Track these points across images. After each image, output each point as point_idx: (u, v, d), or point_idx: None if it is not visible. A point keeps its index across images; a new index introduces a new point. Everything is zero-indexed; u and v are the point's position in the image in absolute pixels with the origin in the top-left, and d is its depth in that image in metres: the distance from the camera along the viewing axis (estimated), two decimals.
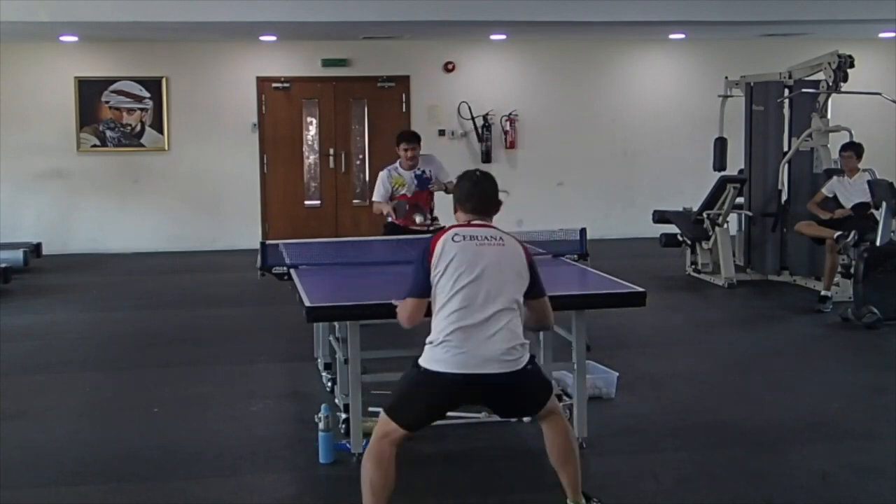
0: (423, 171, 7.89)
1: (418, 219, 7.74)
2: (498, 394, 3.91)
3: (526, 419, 4.97)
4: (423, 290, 3.89)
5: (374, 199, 8.07)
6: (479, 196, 4.01)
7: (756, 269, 10.35)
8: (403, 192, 7.86)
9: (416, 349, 6.23)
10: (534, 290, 3.97)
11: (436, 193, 7.96)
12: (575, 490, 4.00)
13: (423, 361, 3.86)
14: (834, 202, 9.17)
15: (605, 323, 7.09)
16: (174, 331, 8.22)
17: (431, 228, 7.57)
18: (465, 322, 3.80)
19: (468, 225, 3.97)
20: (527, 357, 3.89)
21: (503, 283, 3.86)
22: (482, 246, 3.88)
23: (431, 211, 7.98)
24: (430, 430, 4.21)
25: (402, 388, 3.93)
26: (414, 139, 7.95)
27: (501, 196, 4.08)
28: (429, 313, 3.95)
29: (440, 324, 3.84)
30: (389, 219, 7.83)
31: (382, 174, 7.95)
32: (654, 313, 7.55)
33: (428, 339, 3.88)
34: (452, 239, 3.89)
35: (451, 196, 4.25)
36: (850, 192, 9.01)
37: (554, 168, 13.45)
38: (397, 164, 7.93)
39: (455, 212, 4.07)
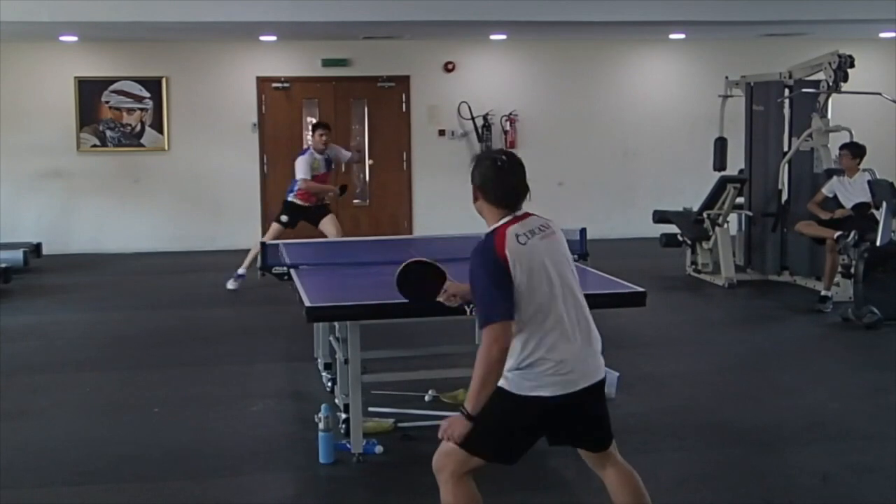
0: (327, 156, 9.96)
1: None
2: (588, 407, 3.64)
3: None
4: (511, 308, 3.29)
5: (303, 177, 9.74)
6: (508, 189, 3.48)
7: (756, 269, 10.34)
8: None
9: (417, 349, 6.24)
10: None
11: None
12: None
13: (514, 388, 3.37)
14: (834, 202, 9.16)
15: (605, 323, 7.05)
16: (174, 331, 8.22)
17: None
18: (555, 333, 3.45)
19: (516, 220, 3.41)
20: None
21: (569, 277, 3.49)
22: (544, 239, 3.42)
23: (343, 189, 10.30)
24: (431, 430, 4.20)
25: (490, 420, 3.33)
26: (325, 127, 9.97)
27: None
28: None
29: (531, 341, 3.36)
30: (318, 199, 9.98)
31: (305, 157, 9.80)
32: (654, 313, 7.54)
33: (515, 364, 3.35)
34: (518, 241, 3.34)
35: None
36: (851, 192, 9.00)
37: (554, 168, 13.43)
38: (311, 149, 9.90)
39: (476, 199, 3.54)
